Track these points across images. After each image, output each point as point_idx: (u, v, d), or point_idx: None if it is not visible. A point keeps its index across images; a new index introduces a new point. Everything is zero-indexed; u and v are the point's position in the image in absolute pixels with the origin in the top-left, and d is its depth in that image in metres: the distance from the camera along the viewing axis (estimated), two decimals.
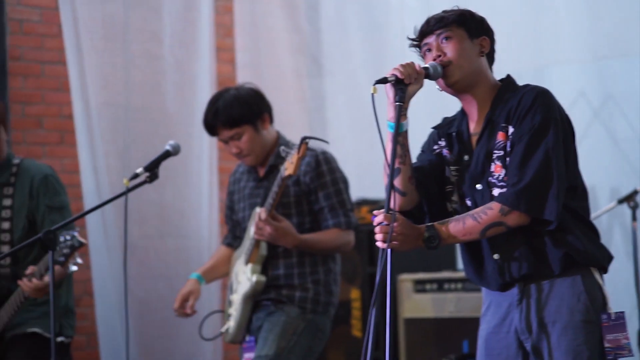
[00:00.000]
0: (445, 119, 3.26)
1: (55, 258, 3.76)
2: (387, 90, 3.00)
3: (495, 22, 3.24)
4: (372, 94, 2.90)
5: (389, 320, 2.76)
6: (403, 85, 2.97)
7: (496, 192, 3.03)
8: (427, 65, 3.05)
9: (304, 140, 3.92)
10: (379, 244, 2.90)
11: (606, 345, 3.01)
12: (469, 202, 3.11)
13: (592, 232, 3.11)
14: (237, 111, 4.29)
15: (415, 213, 3.15)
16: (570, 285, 3.02)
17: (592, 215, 5.52)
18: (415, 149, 3.21)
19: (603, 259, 3.08)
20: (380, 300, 2.75)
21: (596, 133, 5.98)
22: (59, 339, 4.21)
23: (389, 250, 2.84)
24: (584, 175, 6.34)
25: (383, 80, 2.98)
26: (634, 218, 5.04)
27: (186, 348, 5.97)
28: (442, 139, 3.20)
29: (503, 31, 5.57)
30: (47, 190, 4.28)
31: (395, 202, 3.04)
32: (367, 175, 6.60)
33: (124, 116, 5.92)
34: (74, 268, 3.92)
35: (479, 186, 3.07)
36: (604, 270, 3.10)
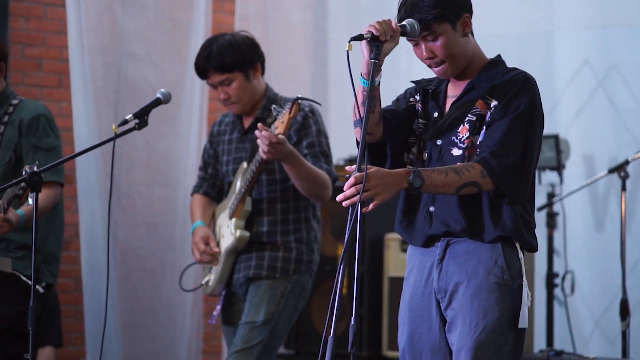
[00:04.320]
0: (424, 79, 3.32)
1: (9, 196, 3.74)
2: (363, 48, 3.01)
3: None
4: (347, 51, 2.89)
5: (357, 277, 2.80)
6: (379, 43, 2.98)
7: (455, 152, 3.11)
8: (404, 23, 3.06)
9: (296, 100, 3.87)
10: (347, 202, 2.88)
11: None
12: (425, 155, 3.18)
13: (531, 214, 3.17)
14: (231, 56, 4.23)
15: (376, 151, 3.20)
16: (490, 248, 3.09)
17: (586, 181, 5.52)
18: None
19: (530, 243, 3.15)
20: (353, 258, 2.77)
21: (599, 102, 5.96)
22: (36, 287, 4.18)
23: (358, 208, 2.85)
24: (584, 142, 6.32)
25: (359, 37, 2.98)
26: (623, 188, 5.05)
27: (168, 296, 5.96)
28: (418, 94, 3.26)
29: None
30: (37, 130, 4.22)
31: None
32: None
33: (117, 63, 5.87)
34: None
35: (439, 141, 3.14)
36: (529, 249, 3.17)
